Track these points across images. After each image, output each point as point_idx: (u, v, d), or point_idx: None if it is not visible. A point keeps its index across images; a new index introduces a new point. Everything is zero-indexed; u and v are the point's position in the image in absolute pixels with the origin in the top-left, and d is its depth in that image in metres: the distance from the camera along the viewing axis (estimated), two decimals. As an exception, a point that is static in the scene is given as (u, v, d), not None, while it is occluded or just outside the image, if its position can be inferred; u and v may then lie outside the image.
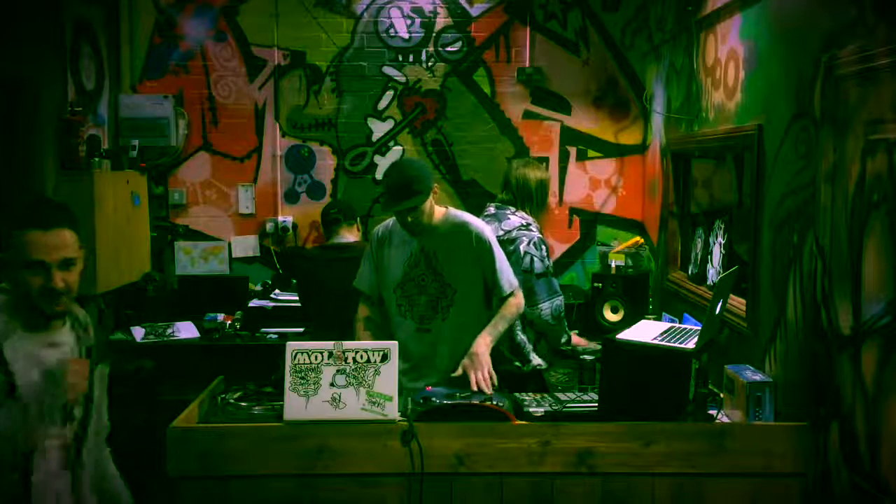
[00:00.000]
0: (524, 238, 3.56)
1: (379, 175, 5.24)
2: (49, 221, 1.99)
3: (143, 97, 5.06)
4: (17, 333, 1.99)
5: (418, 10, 5.23)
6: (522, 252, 3.53)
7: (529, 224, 3.64)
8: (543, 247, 3.59)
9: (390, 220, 3.25)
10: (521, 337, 3.57)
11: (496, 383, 2.94)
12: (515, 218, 3.64)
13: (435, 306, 3.14)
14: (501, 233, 3.58)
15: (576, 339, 3.77)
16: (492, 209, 3.75)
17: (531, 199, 3.74)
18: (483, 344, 3.00)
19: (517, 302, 3.18)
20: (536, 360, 3.59)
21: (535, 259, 3.52)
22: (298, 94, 5.26)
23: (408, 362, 3.12)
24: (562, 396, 2.89)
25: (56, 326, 2.06)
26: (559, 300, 3.58)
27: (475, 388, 2.86)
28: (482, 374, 2.90)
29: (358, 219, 4.19)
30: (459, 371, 2.96)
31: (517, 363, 3.55)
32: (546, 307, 3.53)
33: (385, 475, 2.61)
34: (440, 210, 3.18)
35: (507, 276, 3.17)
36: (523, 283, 3.47)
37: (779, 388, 2.74)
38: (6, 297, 2.03)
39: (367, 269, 3.26)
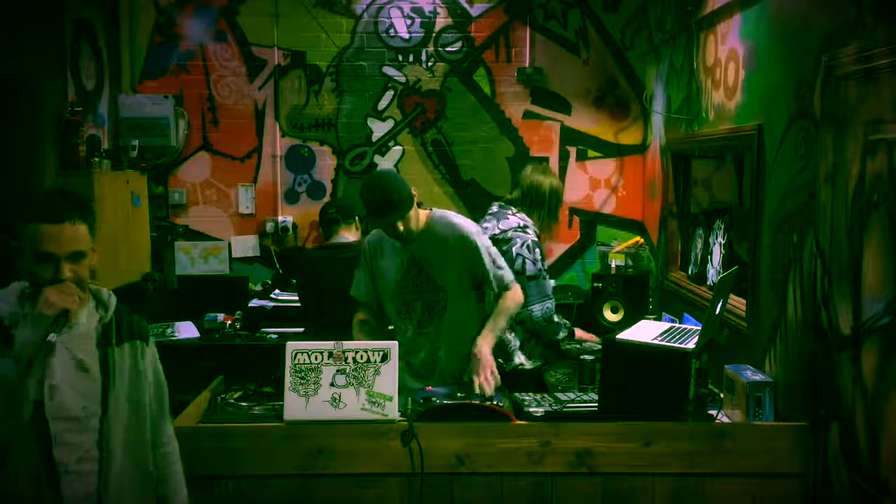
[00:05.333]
0: (518, 240, 3.56)
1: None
2: (60, 215, 2.01)
3: (143, 97, 5.07)
4: (28, 317, 2.00)
5: (418, 10, 5.23)
6: (515, 254, 3.53)
7: (527, 226, 3.63)
8: (537, 249, 3.58)
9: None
10: (506, 335, 3.56)
11: (499, 383, 2.93)
12: (514, 218, 3.64)
13: (431, 310, 3.12)
14: (497, 231, 3.59)
15: (580, 333, 3.76)
16: (494, 208, 3.75)
17: (542, 205, 3.74)
18: (485, 345, 2.98)
19: (514, 296, 3.15)
20: (519, 359, 3.59)
21: (528, 261, 3.53)
22: (298, 94, 5.26)
23: (410, 367, 3.12)
24: (562, 396, 2.89)
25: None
26: (550, 303, 3.58)
27: (478, 391, 2.85)
28: (485, 376, 2.89)
29: (357, 218, 4.19)
30: (467, 379, 2.94)
31: (499, 360, 3.55)
32: (537, 309, 3.52)
33: (385, 475, 2.61)
34: (424, 213, 3.14)
35: (500, 271, 3.13)
36: None
37: (779, 388, 2.74)
38: (24, 284, 2.07)
39: (361, 278, 3.24)
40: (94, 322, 2.12)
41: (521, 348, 3.61)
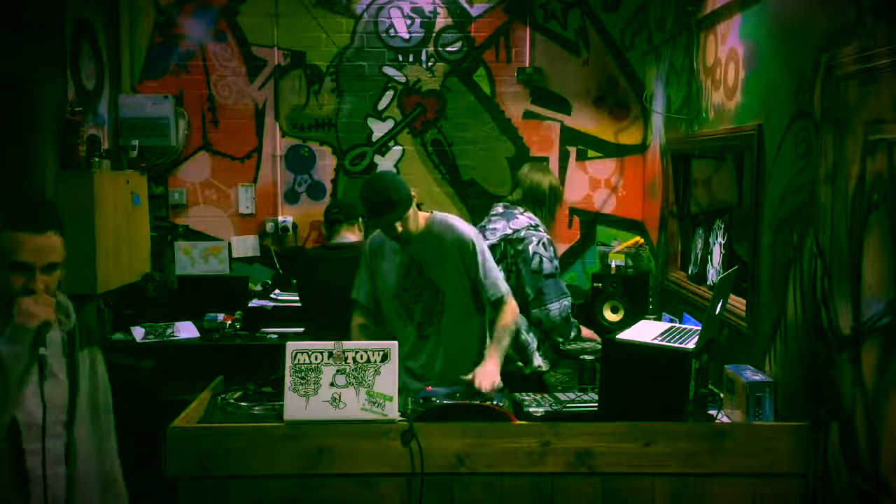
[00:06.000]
0: (533, 238, 3.56)
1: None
2: (41, 224, 1.99)
3: (143, 97, 5.06)
4: (5, 328, 1.98)
5: (418, 10, 5.23)
6: (532, 252, 3.53)
7: (538, 225, 3.64)
8: (552, 248, 3.60)
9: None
10: (525, 337, 3.56)
11: (500, 386, 2.93)
12: (524, 218, 3.64)
13: (430, 313, 3.12)
14: (510, 231, 3.59)
15: (585, 331, 3.77)
16: (500, 208, 3.75)
17: (543, 204, 3.74)
18: (493, 364, 2.95)
19: (512, 309, 3.12)
20: (538, 361, 3.59)
21: (545, 259, 3.53)
22: (298, 94, 5.26)
23: (410, 371, 3.12)
24: (562, 396, 2.89)
25: None
26: (567, 301, 3.58)
27: (478, 387, 2.84)
28: (485, 378, 2.88)
29: (360, 219, 4.19)
30: (469, 377, 2.93)
31: (519, 363, 3.55)
32: (555, 307, 3.53)
33: (385, 475, 2.61)
34: (423, 215, 3.14)
35: (494, 279, 3.10)
36: (532, 284, 3.47)
37: (779, 388, 2.74)
38: None
39: (362, 280, 3.25)
40: (59, 329, 2.10)
41: (537, 350, 3.62)
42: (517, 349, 3.54)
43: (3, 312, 1.98)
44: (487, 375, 2.88)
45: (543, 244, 3.55)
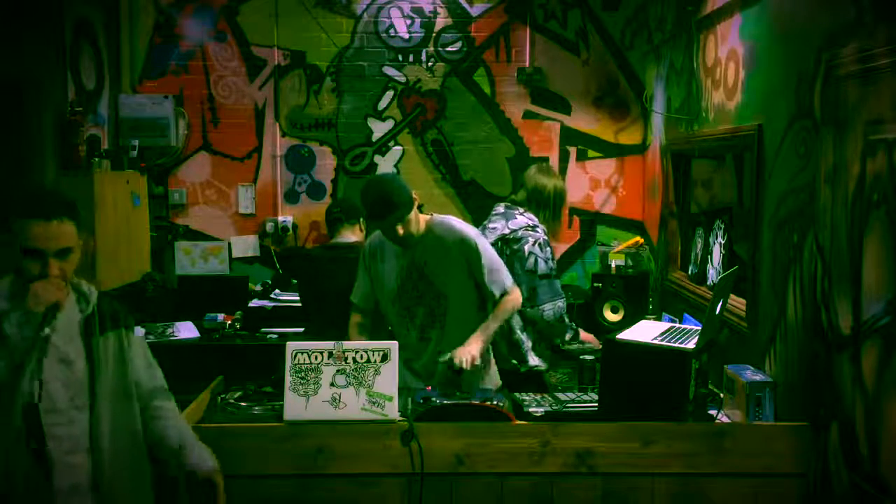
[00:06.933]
0: (529, 238, 3.55)
1: (379, 175, 5.25)
2: (50, 213, 2.05)
3: (143, 97, 5.07)
4: (17, 312, 2.05)
5: (418, 10, 5.24)
6: (527, 252, 3.52)
7: (536, 225, 3.63)
8: (548, 248, 3.59)
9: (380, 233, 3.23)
10: (519, 336, 3.56)
11: (478, 365, 2.96)
12: (523, 218, 3.64)
13: (432, 315, 3.12)
14: (507, 231, 3.59)
15: (584, 335, 3.77)
16: (501, 208, 3.75)
17: (546, 206, 3.74)
18: (475, 343, 2.99)
19: (512, 299, 3.14)
20: (534, 360, 3.59)
21: (540, 260, 3.52)
22: (298, 94, 5.27)
23: (412, 371, 3.13)
24: (562, 396, 2.89)
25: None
26: (561, 302, 3.58)
27: (456, 361, 2.87)
28: (464, 353, 2.91)
29: (361, 219, 4.19)
30: (447, 356, 2.95)
31: (514, 362, 3.56)
32: (548, 308, 3.52)
33: (385, 475, 2.61)
34: (423, 218, 3.14)
35: (500, 276, 3.12)
36: (526, 284, 3.47)
37: (779, 388, 2.74)
38: (10, 279, 2.12)
39: (361, 282, 3.25)
40: (77, 315, 2.16)
41: (532, 349, 3.62)
42: (511, 348, 3.55)
43: (21, 296, 2.05)
44: (466, 352, 2.92)
45: (539, 244, 3.55)
